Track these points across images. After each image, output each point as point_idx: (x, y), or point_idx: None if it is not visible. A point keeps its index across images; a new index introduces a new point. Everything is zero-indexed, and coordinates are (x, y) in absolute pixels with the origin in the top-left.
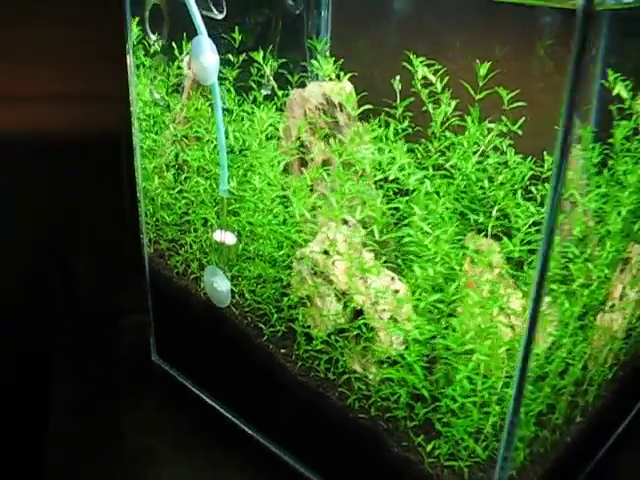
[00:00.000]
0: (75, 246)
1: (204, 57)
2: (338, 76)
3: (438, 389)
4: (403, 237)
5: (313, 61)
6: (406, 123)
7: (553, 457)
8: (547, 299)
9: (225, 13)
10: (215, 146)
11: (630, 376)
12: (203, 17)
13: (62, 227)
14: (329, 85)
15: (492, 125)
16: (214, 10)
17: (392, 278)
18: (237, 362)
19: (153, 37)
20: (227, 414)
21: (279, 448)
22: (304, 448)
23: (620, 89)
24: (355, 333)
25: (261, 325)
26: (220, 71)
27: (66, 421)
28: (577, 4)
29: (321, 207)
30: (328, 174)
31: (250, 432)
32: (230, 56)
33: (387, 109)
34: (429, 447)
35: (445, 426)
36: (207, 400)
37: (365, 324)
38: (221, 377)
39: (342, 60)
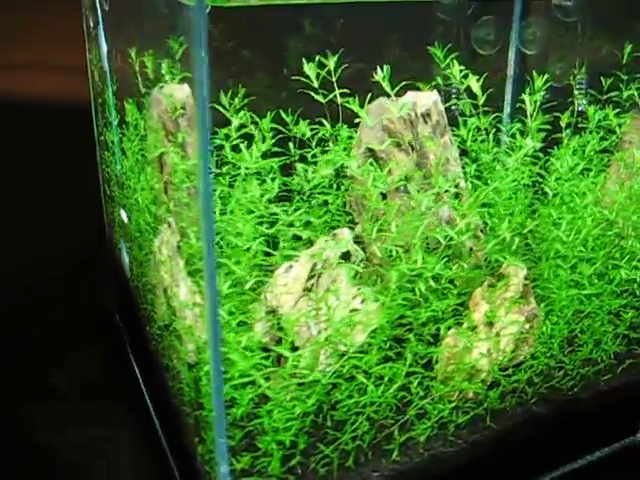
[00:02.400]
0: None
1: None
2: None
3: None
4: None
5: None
6: None
7: None
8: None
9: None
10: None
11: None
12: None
13: None
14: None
15: None
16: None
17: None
18: (134, 328)
19: (91, 24)
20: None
21: (152, 402)
22: (158, 410)
23: None
24: (170, 330)
25: (139, 300)
26: None
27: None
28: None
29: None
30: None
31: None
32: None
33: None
34: (199, 448)
35: (205, 430)
36: (130, 355)
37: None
38: (130, 338)
39: None
